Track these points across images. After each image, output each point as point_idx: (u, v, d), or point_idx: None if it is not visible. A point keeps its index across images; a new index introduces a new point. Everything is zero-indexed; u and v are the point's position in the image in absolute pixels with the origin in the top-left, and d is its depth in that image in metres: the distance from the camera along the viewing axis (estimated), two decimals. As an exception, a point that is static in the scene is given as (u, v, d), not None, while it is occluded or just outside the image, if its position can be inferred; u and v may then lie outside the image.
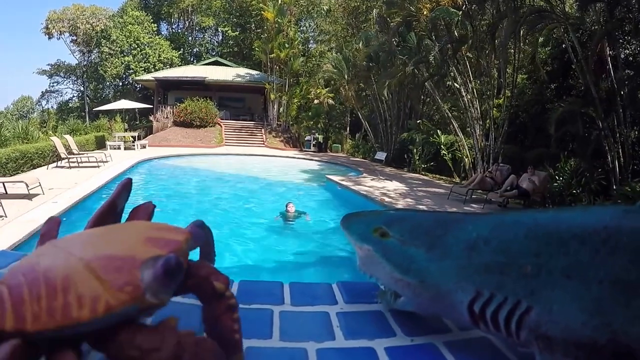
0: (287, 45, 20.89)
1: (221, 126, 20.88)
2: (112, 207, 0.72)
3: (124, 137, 17.13)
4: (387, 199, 7.76)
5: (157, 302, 0.51)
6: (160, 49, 30.33)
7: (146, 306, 0.50)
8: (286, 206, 6.32)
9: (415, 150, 13.43)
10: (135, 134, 18.37)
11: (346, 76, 16.69)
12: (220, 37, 36.26)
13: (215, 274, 0.62)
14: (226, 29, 33.21)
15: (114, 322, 0.48)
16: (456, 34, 11.15)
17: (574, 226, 0.67)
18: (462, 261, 0.69)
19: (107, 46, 29.69)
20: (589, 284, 0.58)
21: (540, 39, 11.26)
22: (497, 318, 0.64)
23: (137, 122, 24.82)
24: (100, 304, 0.46)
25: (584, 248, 0.61)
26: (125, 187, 0.74)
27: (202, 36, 36.60)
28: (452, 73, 11.55)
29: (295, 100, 21.79)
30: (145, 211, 0.74)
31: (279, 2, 20.59)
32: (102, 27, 30.16)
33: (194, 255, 0.72)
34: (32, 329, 0.44)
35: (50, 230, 0.67)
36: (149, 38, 30.39)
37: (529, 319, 0.61)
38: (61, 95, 36.54)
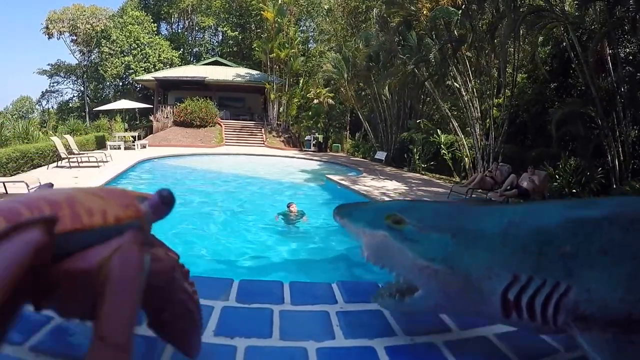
0: (287, 45, 20.88)
1: (221, 126, 20.87)
2: None
3: (124, 137, 17.12)
4: (387, 199, 7.76)
5: (147, 231, 0.57)
6: (160, 49, 30.31)
7: (143, 228, 0.55)
8: (288, 206, 6.31)
9: (415, 150, 13.42)
10: (136, 133, 18.37)
11: (346, 76, 16.68)
12: (220, 37, 36.23)
13: (167, 247, 0.67)
14: (226, 28, 33.19)
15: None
16: (456, 33, 11.14)
17: (603, 208, 0.70)
18: (496, 245, 0.66)
19: (107, 46, 29.67)
20: (623, 260, 0.60)
21: (540, 39, 11.25)
22: (533, 304, 0.62)
23: (137, 122, 24.81)
24: (109, 215, 0.50)
25: (615, 228, 0.63)
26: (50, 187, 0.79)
27: (202, 36, 36.56)
28: (452, 72, 11.54)
29: (295, 100, 21.78)
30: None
31: (279, 2, 20.57)
32: (102, 27, 30.12)
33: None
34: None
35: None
36: (149, 38, 30.37)
37: (567, 301, 0.61)
38: (61, 95, 36.53)
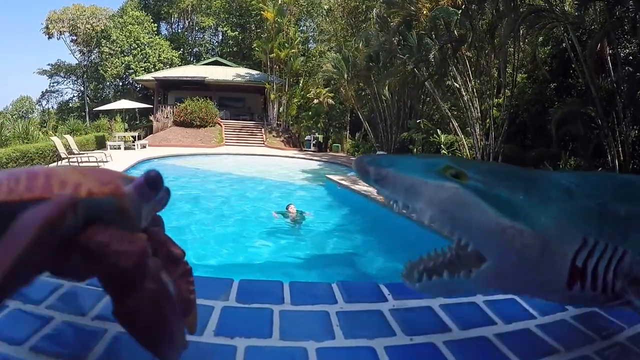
0: (287, 45, 20.88)
1: (221, 126, 20.87)
2: None
3: (124, 137, 17.11)
4: (387, 199, 7.74)
5: (132, 215, 0.54)
6: (160, 49, 30.31)
7: (123, 211, 0.53)
8: (287, 208, 6.32)
9: (415, 150, 13.41)
10: (136, 133, 18.36)
11: (346, 76, 16.67)
12: (220, 37, 36.22)
13: (172, 242, 0.65)
14: (226, 28, 33.19)
15: (90, 213, 0.50)
16: (456, 33, 11.14)
17: None
18: (566, 205, 0.62)
19: (107, 46, 29.67)
20: None
21: (540, 39, 11.25)
22: (597, 270, 0.60)
23: (137, 122, 24.81)
24: (82, 188, 0.50)
25: None
26: None
27: (202, 36, 36.55)
28: (451, 72, 11.54)
29: (295, 100, 21.78)
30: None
31: (279, 2, 20.58)
32: (102, 27, 30.12)
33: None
34: (4, 199, 0.47)
35: None
36: (149, 38, 30.37)
37: (623, 265, 0.60)
38: (61, 95, 36.52)
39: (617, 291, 0.61)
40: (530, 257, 0.60)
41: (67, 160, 9.84)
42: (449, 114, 12.32)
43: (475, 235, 0.61)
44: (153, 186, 0.54)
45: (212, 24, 34.40)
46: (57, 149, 9.77)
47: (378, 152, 15.92)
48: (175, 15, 35.35)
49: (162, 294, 0.52)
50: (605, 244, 0.60)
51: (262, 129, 21.32)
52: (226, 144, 19.11)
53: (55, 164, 9.99)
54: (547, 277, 0.61)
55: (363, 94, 18.14)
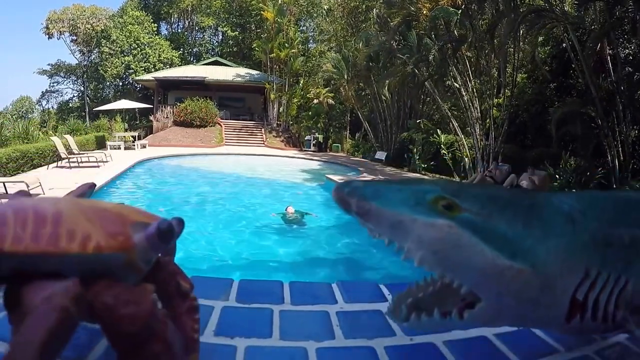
0: (287, 45, 20.88)
1: (221, 126, 20.87)
2: None
3: (124, 137, 17.12)
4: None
5: (139, 266, 0.52)
6: (160, 49, 30.30)
7: (130, 264, 0.51)
8: (285, 209, 6.33)
9: (415, 150, 13.42)
10: (136, 133, 18.36)
11: (346, 76, 16.68)
12: (220, 37, 36.20)
13: (182, 274, 0.64)
14: (226, 28, 33.18)
15: (96, 268, 0.48)
16: (456, 33, 11.14)
17: None
18: (568, 237, 0.56)
19: (107, 46, 29.66)
20: None
21: (540, 39, 11.25)
22: (598, 302, 0.57)
23: (137, 122, 24.80)
24: (91, 241, 0.47)
25: None
26: (91, 188, 0.77)
27: (202, 36, 36.54)
28: (451, 72, 11.55)
29: (295, 100, 21.77)
30: (82, 190, 0.77)
31: (279, 2, 20.58)
32: (102, 27, 30.11)
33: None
34: (9, 249, 0.44)
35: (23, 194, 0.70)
36: (149, 38, 30.36)
37: (625, 294, 0.57)
38: (61, 95, 36.49)
39: (618, 321, 0.58)
40: (528, 296, 0.55)
41: (67, 160, 9.83)
42: (449, 114, 12.32)
43: (470, 278, 0.55)
44: (164, 238, 0.52)
45: (212, 24, 34.39)
46: (57, 149, 9.76)
47: (378, 153, 15.93)
48: (175, 15, 35.34)
49: (167, 355, 0.51)
50: (608, 274, 0.56)
51: (262, 129, 21.32)
52: (226, 144, 19.11)
53: (55, 163, 9.99)
54: (545, 313, 0.57)
55: (363, 94, 18.14)
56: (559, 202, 0.60)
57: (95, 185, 0.69)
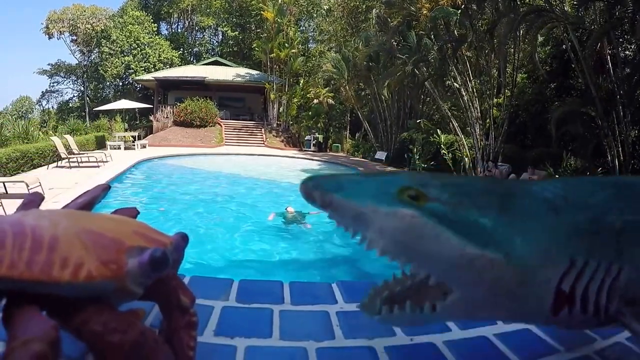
0: (286, 45, 20.88)
1: (221, 126, 20.88)
2: (88, 206, 0.75)
3: (124, 137, 17.12)
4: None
5: (132, 290, 0.53)
6: (160, 49, 30.31)
7: (122, 290, 0.51)
8: (286, 209, 6.33)
9: (415, 150, 13.42)
10: (136, 133, 18.36)
11: (346, 76, 16.68)
12: (220, 37, 36.22)
13: (183, 289, 0.63)
14: (226, 28, 33.19)
15: (87, 294, 0.50)
16: (455, 33, 11.15)
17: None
18: (550, 223, 0.53)
19: (107, 46, 29.67)
20: None
21: (540, 39, 11.25)
22: (587, 293, 0.53)
23: (137, 122, 24.81)
24: (82, 270, 0.48)
25: None
26: (105, 190, 0.77)
27: (202, 36, 36.56)
28: (452, 72, 11.55)
29: (295, 100, 21.77)
30: (129, 214, 0.75)
31: (279, 1, 20.58)
32: (102, 27, 30.12)
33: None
34: (5, 274, 0.45)
35: (33, 202, 0.69)
36: (149, 38, 30.37)
37: (618, 284, 0.53)
38: (61, 95, 36.51)
39: (611, 314, 0.54)
40: (504, 288, 0.51)
41: (67, 160, 9.83)
42: (449, 114, 12.33)
43: (437, 268, 0.53)
44: (157, 268, 0.52)
45: (212, 24, 34.40)
46: (57, 149, 9.76)
47: (378, 153, 15.93)
48: (175, 15, 35.35)
49: None
50: (597, 262, 0.53)
51: (262, 129, 21.32)
52: (226, 144, 19.11)
53: (55, 164, 9.99)
54: (526, 306, 0.54)
55: (363, 94, 18.15)
56: (540, 190, 0.58)
57: (109, 187, 0.70)
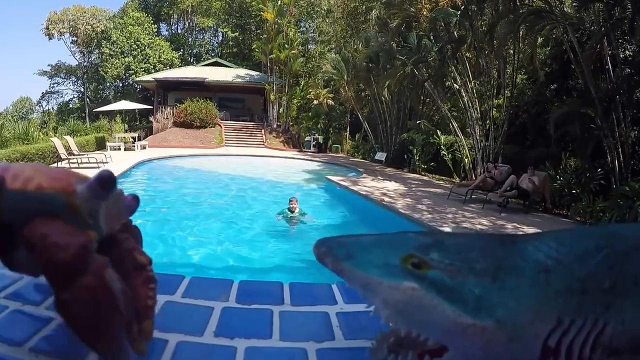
0: (286, 46, 20.90)
1: (221, 127, 20.89)
2: None
3: (124, 137, 17.13)
4: (386, 199, 7.76)
5: (84, 211, 0.55)
6: (160, 49, 30.34)
7: (73, 207, 0.54)
8: (290, 202, 6.30)
9: (415, 151, 13.43)
10: (136, 134, 18.37)
11: (346, 77, 16.69)
12: (220, 38, 36.29)
13: (138, 250, 0.66)
14: (226, 29, 33.23)
15: (40, 207, 0.53)
16: (455, 34, 11.16)
17: (630, 236, 0.65)
18: (540, 287, 0.57)
19: (107, 47, 29.70)
20: None
21: (540, 40, 11.26)
22: (572, 347, 0.56)
23: (137, 123, 24.83)
24: (32, 182, 0.53)
25: None
26: (134, 200, 0.77)
27: (202, 37, 36.62)
28: (451, 73, 11.56)
29: (295, 101, 21.80)
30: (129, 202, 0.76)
31: (279, 3, 20.61)
32: (103, 28, 30.16)
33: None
34: None
35: None
36: (149, 39, 30.41)
37: (603, 338, 0.56)
38: (61, 96, 36.53)
39: None
40: (494, 348, 0.56)
41: (67, 161, 9.83)
42: (449, 114, 12.33)
43: (435, 334, 0.58)
44: (105, 185, 0.55)
45: (212, 25, 34.46)
46: (57, 150, 9.77)
47: (377, 154, 15.94)
48: (175, 16, 35.41)
49: (102, 291, 0.52)
50: (584, 320, 0.56)
51: (262, 130, 21.33)
52: (226, 144, 19.13)
53: (55, 165, 9.99)
54: (515, 358, 0.58)
55: (363, 94, 18.17)
56: (533, 250, 0.60)
57: (138, 199, 0.71)
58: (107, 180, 0.55)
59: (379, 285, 0.58)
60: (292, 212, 6.21)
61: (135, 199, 0.67)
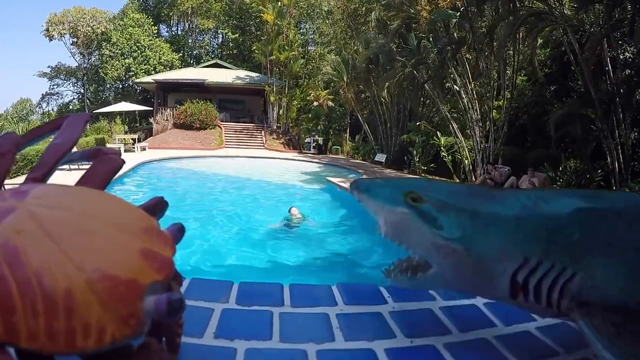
0: (286, 48, 20.93)
1: (221, 128, 20.89)
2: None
3: (124, 139, 17.13)
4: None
5: (144, 330, 0.50)
6: (160, 51, 30.37)
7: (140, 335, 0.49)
8: (289, 210, 6.32)
9: (415, 152, 13.43)
10: (135, 136, 18.37)
11: (346, 78, 16.70)
12: (220, 40, 36.33)
13: (174, 273, 0.61)
14: (226, 31, 33.28)
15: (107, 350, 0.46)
16: (455, 35, 11.17)
17: (610, 202, 0.76)
18: (509, 228, 0.69)
19: (107, 48, 29.73)
20: (626, 251, 0.65)
21: (540, 41, 11.27)
22: (540, 287, 0.65)
23: (137, 125, 24.83)
24: (106, 335, 0.44)
25: (620, 220, 0.68)
26: (160, 204, 0.75)
27: (202, 38, 36.64)
28: (451, 75, 11.57)
29: (295, 102, 21.80)
30: (156, 205, 0.74)
31: (279, 4, 20.64)
32: (103, 30, 30.19)
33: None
34: (26, 346, 0.41)
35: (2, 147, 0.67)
36: (149, 40, 30.44)
37: (572, 286, 0.64)
38: (61, 98, 36.51)
39: (563, 309, 0.65)
40: (466, 271, 0.69)
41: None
42: (449, 116, 12.34)
43: (418, 250, 0.75)
44: (173, 315, 0.49)
45: (212, 27, 34.49)
46: (57, 151, 9.74)
47: (377, 155, 15.94)
48: (175, 18, 35.43)
49: None
50: (552, 264, 0.65)
51: (262, 131, 21.34)
52: (226, 146, 19.12)
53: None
54: (488, 287, 0.70)
55: (363, 96, 18.17)
56: (513, 200, 0.73)
57: (167, 204, 0.68)
58: (176, 309, 0.49)
59: (381, 208, 0.77)
60: (293, 217, 6.22)
61: (180, 230, 0.62)
